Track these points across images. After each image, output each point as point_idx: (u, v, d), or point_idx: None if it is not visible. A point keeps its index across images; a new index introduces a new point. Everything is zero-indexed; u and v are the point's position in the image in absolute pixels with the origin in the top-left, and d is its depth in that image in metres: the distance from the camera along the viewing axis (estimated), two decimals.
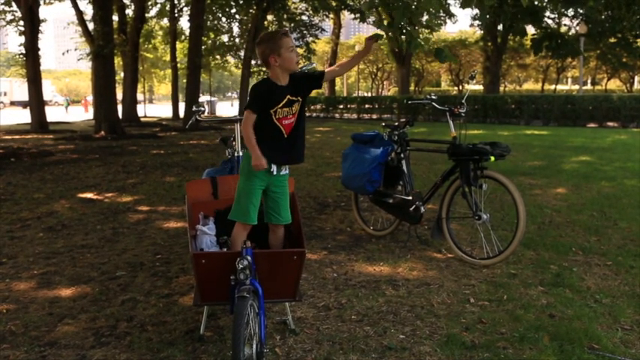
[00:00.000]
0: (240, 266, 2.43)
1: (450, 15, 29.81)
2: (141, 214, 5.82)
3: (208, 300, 2.75)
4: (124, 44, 21.88)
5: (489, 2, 2.66)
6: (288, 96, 2.82)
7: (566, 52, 27.31)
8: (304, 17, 29.33)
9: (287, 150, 2.88)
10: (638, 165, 9.02)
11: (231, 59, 34.39)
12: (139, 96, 29.13)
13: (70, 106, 44.14)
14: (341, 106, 27.77)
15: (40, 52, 18.41)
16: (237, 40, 31.01)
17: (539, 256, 4.25)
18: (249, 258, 2.46)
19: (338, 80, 54.15)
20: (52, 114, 27.77)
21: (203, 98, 36.24)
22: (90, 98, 63.64)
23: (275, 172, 2.86)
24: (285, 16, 27.37)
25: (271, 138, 2.83)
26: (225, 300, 2.63)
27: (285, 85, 2.83)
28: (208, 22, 26.85)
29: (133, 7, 23.42)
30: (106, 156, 10.99)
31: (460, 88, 48.01)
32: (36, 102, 18.52)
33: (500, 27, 27.55)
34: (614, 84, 52.42)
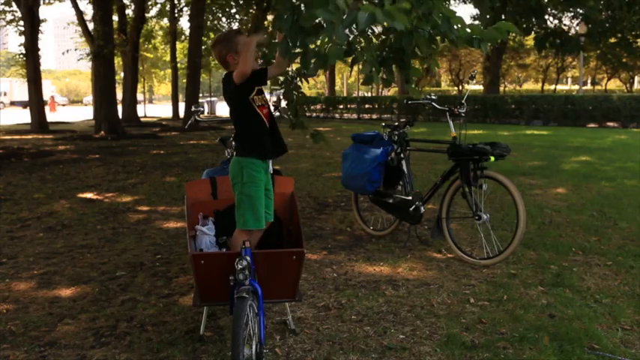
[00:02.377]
0: (240, 267, 2.43)
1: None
2: (141, 214, 5.83)
3: (208, 300, 2.75)
4: (124, 44, 21.88)
5: None
6: (255, 86, 2.83)
7: (570, 49, 27.31)
8: None
9: (272, 141, 2.89)
10: (638, 165, 9.02)
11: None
12: (139, 96, 29.11)
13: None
14: (341, 106, 27.76)
15: (40, 52, 18.39)
16: None
17: (539, 256, 4.25)
18: (248, 258, 2.46)
19: (338, 80, 54.12)
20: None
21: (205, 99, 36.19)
22: (60, 98, 63.04)
23: (270, 171, 2.90)
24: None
25: (257, 130, 2.83)
26: (225, 300, 2.63)
27: (248, 77, 2.76)
28: (208, 22, 26.84)
29: (133, 7, 23.42)
30: (106, 156, 10.99)
31: (460, 88, 47.99)
32: (36, 102, 18.52)
33: None
34: (614, 84, 52.39)
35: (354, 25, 2.16)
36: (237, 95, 2.80)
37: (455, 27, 2.39)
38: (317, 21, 2.24)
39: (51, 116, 30.21)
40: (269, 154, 2.88)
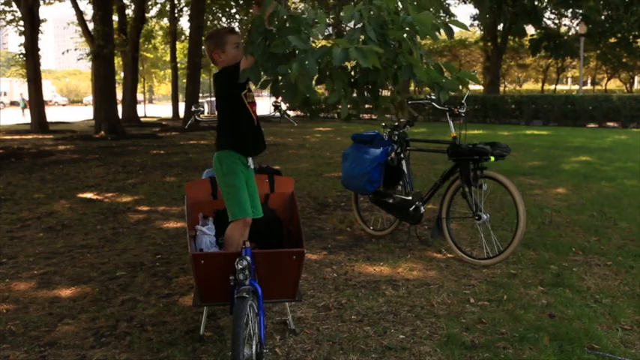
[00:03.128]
0: (240, 266, 2.43)
1: (450, 15, 29.80)
2: (141, 214, 5.82)
3: (208, 300, 2.75)
4: (124, 44, 21.88)
5: None
6: (247, 84, 2.85)
7: (564, 52, 27.40)
8: (304, 17, 29.23)
9: (256, 138, 2.94)
10: (638, 165, 9.02)
11: None
12: (139, 96, 29.11)
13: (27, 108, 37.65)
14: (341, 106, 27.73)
15: (40, 52, 18.40)
16: None
17: (539, 256, 4.25)
18: (248, 258, 2.46)
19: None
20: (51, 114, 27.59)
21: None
22: (61, 98, 62.54)
23: (251, 166, 2.96)
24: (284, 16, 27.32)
25: (244, 126, 2.87)
26: (225, 300, 2.63)
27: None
28: (208, 22, 26.84)
29: (133, 7, 23.42)
30: (106, 156, 10.99)
31: (460, 88, 47.91)
32: (36, 102, 18.53)
33: (500, 27, 27.57)
34: (614, 84, 52.36)
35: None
36: (231, 90, 2.80)
37: (417, 74, 2.42)
38: (289, 50, 2.25)
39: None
40: (250, 151, 2.95)
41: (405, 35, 2.43)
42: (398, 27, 2.37)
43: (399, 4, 2.47)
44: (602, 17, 27.31)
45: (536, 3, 25.87)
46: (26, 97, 32.45)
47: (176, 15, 27.22)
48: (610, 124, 19.53)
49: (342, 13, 2.39)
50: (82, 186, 7.54)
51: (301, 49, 2.17)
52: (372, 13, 2.31)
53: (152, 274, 3.95)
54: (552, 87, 47.70)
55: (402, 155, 4.58)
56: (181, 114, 25.58)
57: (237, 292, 2.34)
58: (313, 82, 2.34)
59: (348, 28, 2.39)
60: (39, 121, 18.49)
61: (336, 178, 7.72)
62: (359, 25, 2.28)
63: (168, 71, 34.73)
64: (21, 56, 19.78)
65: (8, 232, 5.15)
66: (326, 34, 2.52)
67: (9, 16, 21.58)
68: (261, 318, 2.47)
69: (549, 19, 29.93)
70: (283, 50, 2.23)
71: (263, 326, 2.48)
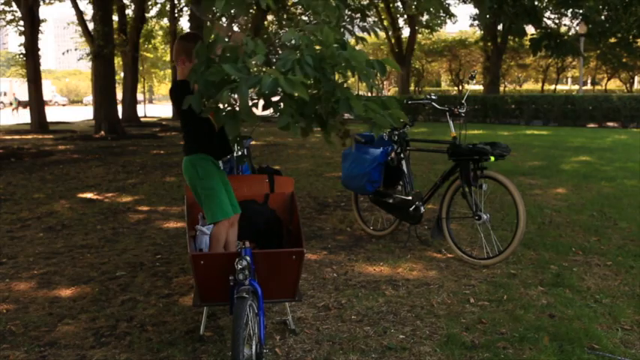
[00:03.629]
0: (239, 267, 2.43)
1: (450, 15, 29.84)
2: (141, 214, 5.82)
3: (208, 300, 2.75)
4: (124, 44, 21.88)
5: None
6: None
7: (565, 52, 27.37)
8: (304, 18, 29.27)
9: (219, 143, 2.96)
10: (638, 165, 9.02)
11: None
12: (139, 96, 29.10)
13: (22, 109, 33.11)
14: None
15: (40, 52, 18.40)
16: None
17: (539, 256, 4.25)
18: (248, 258, 2.46)
19: (338, 80, 53.98)
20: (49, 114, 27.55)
21: None
22: (61, 98, 62.35)
23: (222, 167, 3.02)
24: (285, 16, 27.35)
25: (207, 133, 2.88)
26: (225, 300, 2.63)
27: None
28: (208, 23, 26.82)
29: (133, 7, 23.42)
30: (106, 156, 10.99)
31: (460, 88, 47.96)
32: (36, 102, 18.53)
33: (500, 27, 27.58)
34: (614, 84, 52.35)
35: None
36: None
37: (354, 108, 2.42)
38: (225, 77, 2.24)
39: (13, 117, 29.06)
40: (217, 155, 2.98)
41: (341, 70, 2.44)
42: (335, 61, 2.37)
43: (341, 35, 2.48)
44: (602, 17, 27.29)
45: (536, 3, 25.85)
46: (19, 97, 32.06)
47: (176, 15, 27.20)
48: (610, 124, 19.52)
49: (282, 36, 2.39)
50: (82, 186, 7.54)
51: (235, 77, 2.18)
52: (308, 45, 2.31)
53: (152, 274, 3.95)
54: (552, 87, 47.71)
55: (402, 155, 4.58)
56: None
57: (237, 292, 2.34)
58: (257, 109, 2.33)
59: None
60: (39, 121, 18.48)
61: (336, 178, 7.71)
62: (295, 57, 2.26)
63: (168, 71, 34.74)
64: (21, 56, 19.81)
65: (8, 232, 5.16)
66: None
67: (9, 16, 21.63)
68: (261, 318, 2.47)
69: (549, 18, 29.92)
70: (219, 77, 2.23)
71: (263, 326, 2.49)
